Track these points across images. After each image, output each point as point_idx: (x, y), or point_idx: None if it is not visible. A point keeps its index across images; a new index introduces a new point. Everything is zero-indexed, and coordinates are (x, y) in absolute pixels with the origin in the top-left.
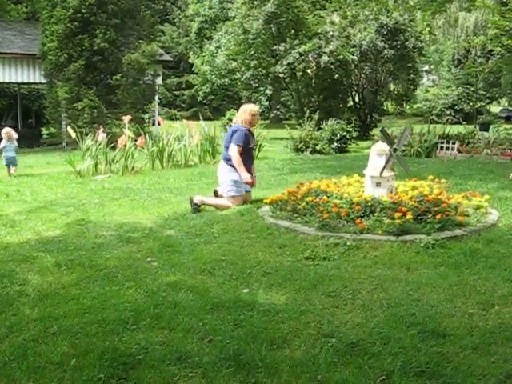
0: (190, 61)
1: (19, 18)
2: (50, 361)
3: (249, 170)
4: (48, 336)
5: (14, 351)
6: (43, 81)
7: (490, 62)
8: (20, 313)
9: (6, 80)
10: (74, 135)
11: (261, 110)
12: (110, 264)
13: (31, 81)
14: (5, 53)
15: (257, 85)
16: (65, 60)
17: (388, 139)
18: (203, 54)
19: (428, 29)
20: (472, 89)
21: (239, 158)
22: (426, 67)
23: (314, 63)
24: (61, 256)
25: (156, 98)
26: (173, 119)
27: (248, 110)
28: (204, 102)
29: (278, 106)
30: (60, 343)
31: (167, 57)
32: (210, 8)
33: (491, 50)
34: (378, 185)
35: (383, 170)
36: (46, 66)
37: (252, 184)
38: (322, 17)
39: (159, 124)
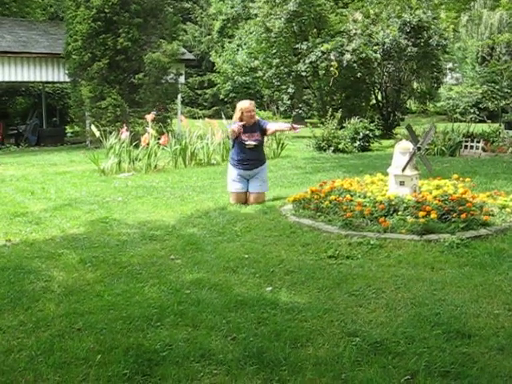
0: (211, 59)
1: (44, 17)
2: (75, 356)
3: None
4: (73, 332)
5: (40, 346)
6: (67, 80)
7: None
8: (46, 308)
9: (31, 79)
10: (97, 134)
11: (283, 109)
12: (134, 261)
13: (55, 80)
14: (30, 52)
15: (279, 83)
16: (88, 59)
17: (413, 136)
18: (225, 53)
19: (452, 26)
20: (497, 87)
21: (230, 126)
22: (450, 65)
23: (336, 62)
24: (85, 253)
25: (179, 96)
26: (195, 118)
27: (238, 107)
28: (226, 100)
29: (300, 105)
30: (85, 339)
31: (190, 55)
32: (232, 7)
33: None
34: (402, 184)
35: (406, 166)
36: (70, 65)
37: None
38: (345, 15)
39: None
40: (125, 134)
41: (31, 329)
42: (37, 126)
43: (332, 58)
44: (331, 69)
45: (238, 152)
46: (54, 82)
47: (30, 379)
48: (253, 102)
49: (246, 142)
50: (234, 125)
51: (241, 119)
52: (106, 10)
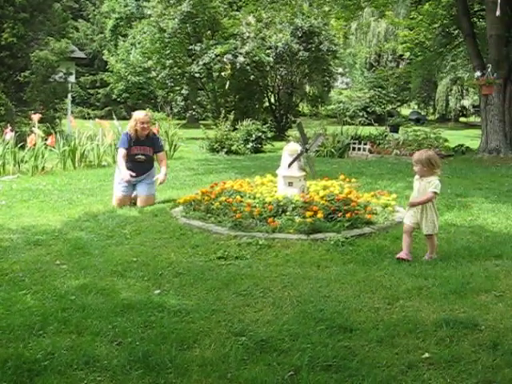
0: (104, 58)
1: None
2: None
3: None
4: None
5: None
6: None
7: (400, 66)
8: None
9: None
10: None
11: (176, 110)
12: (17, 268)
13: None
14: None
15: (172, 84)
16: None
17: (302, 135)
18: (118, 52)
19: (341, 33)
20: (383, 92)
21: (120, 159)
22: (340, 70)
23: (229, 65)
24: None
25: (69, 96)
26: (87, 118)
27: (133, 117)
28: (119, 100)
29: (194, 106)
30: None
31: (81, 54)
32: (126, 5)
33: (402, 55)
34: (290, 184)
35: (291, 164)
36: None
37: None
38: (238, 18)
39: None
40: (9, 135)
41: None
42: None
43: (225, 60)
44: (223, 72)
45: (126, 161)
46: None
47: None
48: (149, 114)
49: (136, 156)
50: (124, 172)
51: (135, 129)
52: None
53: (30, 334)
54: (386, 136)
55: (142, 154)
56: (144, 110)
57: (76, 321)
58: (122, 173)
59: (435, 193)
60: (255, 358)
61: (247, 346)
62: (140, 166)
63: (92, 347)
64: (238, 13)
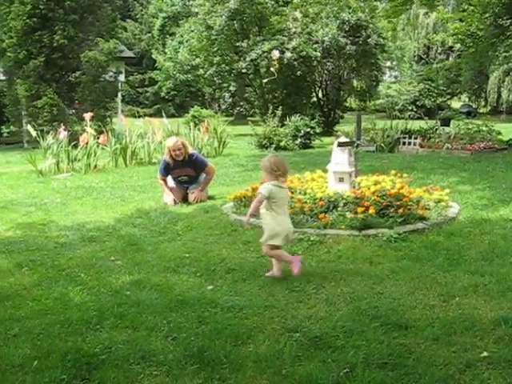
0: (153, 57)
1: None
2: (11, 363)
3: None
4: (9, 338)
5: None
6: (2, 78)
7: (450, 58)
8: None
9: None
10: (34, 133)
11: (224, 107)
12: (73, 264)
13: None
14: None
15: (220, 81)
16: (24, 57)
17: (359, 128)
18: (166, 51)
19: (389, 25)
20: (433, 85)
21: (160, 181)
22: (389, 63)
23: (277, 60)
24: (22, 256)
25: (119, 95)
26: (136, 116)
27: (166, 145)
28: (167, 98)
29: (241, 103)
30: (21, 345)
31: (130, 53)
32: (173, 5)
33: (451, 47)
34: (341, 180)
35: (342, 145)
36: (5, 63)
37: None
38: (285, 14)
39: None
40: (63, 134)
41: None
42: None
43: (276, 55)
44: (272, 68)
45: (177, 184)
46: None
47: None
48: (180, 140)
49: (179, 178)
50: (166, 196)
51: (170, 155)
52: (41, 6)
53: (88, 328)
54: (436, 130)
55: (185, 175)
56: (192, 107)
57: (131, 316)
58: (164, 197)
59: (263, 195)
60: (310, 354)
61: (301, 342)
62: (186, 183)
63: (148, 342)
64: (284, 8)
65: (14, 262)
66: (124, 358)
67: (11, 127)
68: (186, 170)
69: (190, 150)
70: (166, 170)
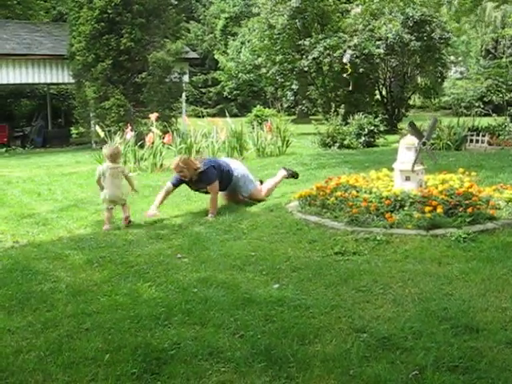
0: (215, 57)
1: (47, 17)
2: (84, 356)
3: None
4: (82, 332)
5: (49, 347)
6: (71, 81)
7: None
8: (54, 309)
9: (36, 81)
10: (102, 134)
11: (286, 105)
12: (141, 261)
13: (60, 81)
14: (34, 54)
15: (282, 80)
16: (92, 60)
17: (417, 133)
18: (228, 51)
19: (454, 18)
20: (501, 80)
21: (161, 192)
22: (453, 58)
23: (349, 65)
24: (92, 253)
25: (183, 95)
26: (199, 116)
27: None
28: (230, 97)
29: (303, 101)
30: (93, 339)
31: (193, 54)
32: (234, 5)
33: None
34: (408, 179)
35: (414, 163)
36: (74, 66)
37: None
38: (347, 10)
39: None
40: (129, 134)
41: (40, 329)
42: (42, 127)
43: (345, 61)
44: (345, 74)
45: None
46: (58, 84)
47: (39, 379)
48: (181, 161)
49: (200, 191)
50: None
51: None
52: (109, 11)
53: (156, 324)
54: (505, 127)
55: (202, 189)
56: (254, 107)
57: (199, 313)
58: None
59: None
60: (377, 355)
61: (369, 342)
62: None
63: (215, 339)
64: (346, 5)
65: (85, 259)
66: (192, 354)
67: (80, 128)
68: (201, 186)
69: (199, 165)
70: (179, 181)
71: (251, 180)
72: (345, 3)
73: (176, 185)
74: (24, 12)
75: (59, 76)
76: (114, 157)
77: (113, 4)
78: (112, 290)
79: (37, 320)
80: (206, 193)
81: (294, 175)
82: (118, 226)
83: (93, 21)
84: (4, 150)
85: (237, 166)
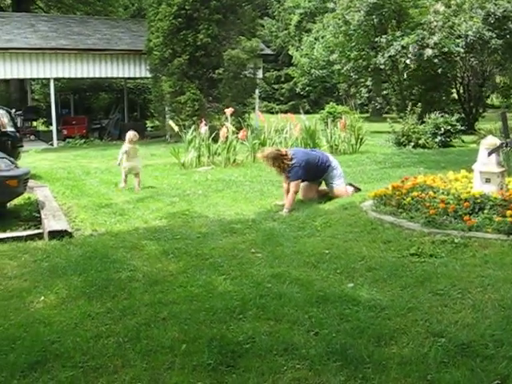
0: (289, 53)
1: (126, 14)
2: (161, 345)
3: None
4: (159, 321)
5: (127, 333)
6: (148, 75)
7: None
8: (132, 297)
9: (114, 75)
10: (176, 128)
11: (360, 103)
12: (215, 254)
13: (137, 76)
14: (113, 49)
15: (357, 77)
16: (169, 55)
17: (505, 127)
18: (302, 47)
19: None
20: None
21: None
22: None
23: (415, 58)
24: (168, 244)
25: (256, 91)
26: (272, 112)
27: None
28: (302, 94)
29: (377, 99)
30: (170, 328)
31: (268, 51)
32: (310, 1)
33: None
34: (488, 181)
35: (490, 154)
36: (152, 61)
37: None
38: (426, 6)
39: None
40: (204, 129)
41: (118, 316)
42: (119, 120)
43: (410, 56)
44: (412, 65)
45: None
46: (135, 78)
47: (118, 364)
48: (265, 154)
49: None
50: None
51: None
52: (187, 7)
53: (231, 317)
54: None
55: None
56: (327, 104)
57: (273, 308)
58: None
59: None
60: (456, 361)
61: (447, 348)
62: None
63: (290, 335)
64: (425, 1)
65: (161, 249)
66: (267, 349)
67: (155, 122)
68: (287, 176)
69: (289, 158)
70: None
71: (343, 175)
72: None
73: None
74: (104, 9)
75: (136, 70)
76: (132, 141)
77: (191, 0)
78: (187, 281)
79: (115, 307)
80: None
81: (358, 190)
82: (131, 187)
83: (171, 17)
84: (83, 141)
85: (332, 158)
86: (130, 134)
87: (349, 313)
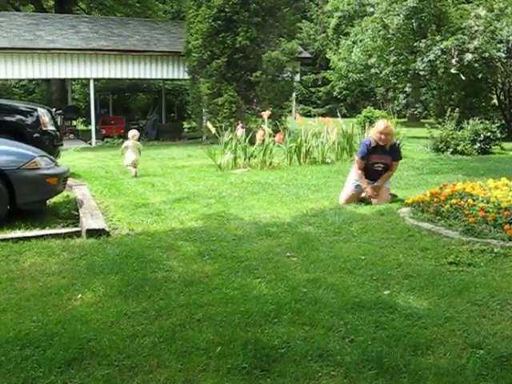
0: (327, 57)
1: (165, 17)
2: (196, 346)
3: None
4: (194, 322)
5: (162, 334)
6: (186, 77)
7: None
8: (167, 297)
9: (153, 76)
10: (213, 130)
11: (398, 108)
12: (251, 256)
13: (175, 77)
14: (152, 51)
15: (395, 81)
16: (208, 57)
17: None
18: (340, 50)
19: None
20: None
21: (357, 170)
22: None
23: (455, 61)
24: (203, 246)
25: (293, 94)
26: (308, 116)
27: (375, 126)
28: (339, 98)
29: (416, 104)
30: (205, 330)
31: (306, 54)
32: (349, 4)
33: None
34: None
35: None
36: (190, 62)
37: (371, 196)
38: (467, 10)
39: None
40: (240, 131)
41: (154, 316)
42: (156, 121)
43: (453, 62)
44: (452, 70)
45: (369, 174)
46: (173, 79)
47: (153, 364)
48: (389, 126)
49: (375, 165)
50: (364, 185)
51: (375, 139)
52: (227, 10)
53: (266, 321)
54: None
55: (382, 163)
56: (364, 108)
57: (309, 313)
58: (362, 186)
59: None
60: (495, 374)
61: (485, 360)
62: (377, 174)
63: (325, 341)
64: (466, 5)
65: (196, 251)
66: (302, 355)
67: (192, 123)
68: (386, 158)
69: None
70: (368, 153)
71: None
72: (463, 3)
73: (366, 157)
74: (144, 11)
75: (174, 72)
76: (134, 138)
77: (231, 3)
78: (223, 283)
79: (151, 307)
80: (378, 172)
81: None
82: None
83: (210, 19)
84: (120, 141)
85: None
86: (133, 132)
87: (385, 320)
